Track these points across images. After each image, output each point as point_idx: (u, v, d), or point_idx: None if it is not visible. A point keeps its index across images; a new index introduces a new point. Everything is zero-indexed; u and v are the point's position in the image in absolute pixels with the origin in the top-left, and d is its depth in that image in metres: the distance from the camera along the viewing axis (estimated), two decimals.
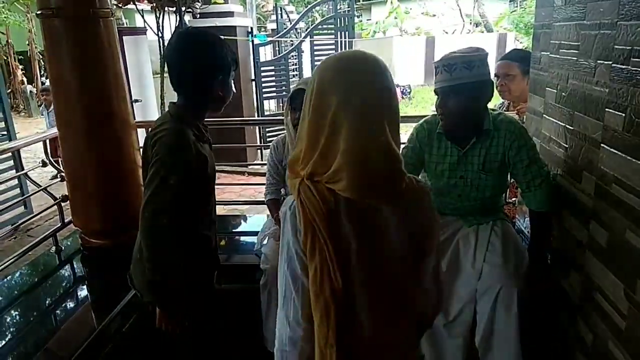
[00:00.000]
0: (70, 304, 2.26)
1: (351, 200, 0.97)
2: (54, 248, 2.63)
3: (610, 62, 1.45)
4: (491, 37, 16.94)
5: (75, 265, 2.54)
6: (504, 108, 2.90)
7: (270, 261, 2.14)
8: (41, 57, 13.84)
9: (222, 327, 2.01)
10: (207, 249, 1.73)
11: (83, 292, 2.37)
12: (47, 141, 2.82)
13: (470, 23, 18.60)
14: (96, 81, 2.31)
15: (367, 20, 20.58)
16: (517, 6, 18.41)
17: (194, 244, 1.65)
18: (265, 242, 2.30)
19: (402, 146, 2.17)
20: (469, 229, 1.97)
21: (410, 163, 2.03)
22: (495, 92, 2.86)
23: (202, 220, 1.67)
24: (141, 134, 2.84)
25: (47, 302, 2.25)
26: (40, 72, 14.48)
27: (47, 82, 15.54)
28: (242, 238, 2.90)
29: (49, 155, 2.78)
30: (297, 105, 2.17)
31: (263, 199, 2.60)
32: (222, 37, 1.63)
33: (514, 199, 2.61)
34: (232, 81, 1.65)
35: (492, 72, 2.54)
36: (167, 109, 1.63)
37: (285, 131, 2.32)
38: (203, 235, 1.69)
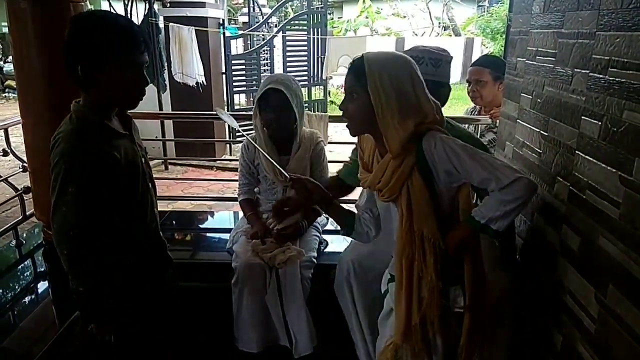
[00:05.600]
0: (30, 301, 2.16)
1: None
2: (14, 242, 2.51)
3: (588, 71, 1.48)
4: (459, 40, 17.26)
5: (36, 260, 2.42)
6: (476, 113, 2.95)
7: (241, 258, 2.11)
8: None
9: (182, 325, 1.95)
10: (144, 249, 1.61)
11: (44, 288, 2.27)
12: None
13: (440, 26, 18.89)
14: (63, 68, 2.19)
15: (339, 18, 20.61)
16: (484, 12, 18.78)
17: (124, 246, 1.53)
18: (237, 239, 2.26)
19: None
20: None
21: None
22: (467, 97, 2.91)
23: (129, 220, 1.54)
24: None
25: (5, 297, 2.14)
26: None
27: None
28: (212, 235, 2.84)
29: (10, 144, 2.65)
30: (268, 106, 2.10)
31: (232, 195, 2.58)
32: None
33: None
34: (141, 69, 1.43)
35: (457, 75, 2.58)
36: None
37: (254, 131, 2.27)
38: (133, 235, 1.56)
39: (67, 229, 1.37)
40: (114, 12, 1.43)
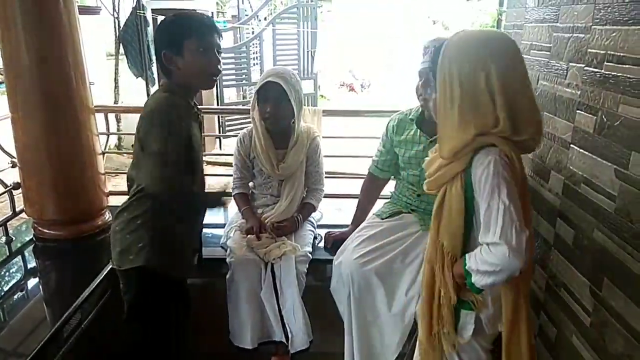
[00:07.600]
0: (21, 298, 2.12)
1: None
2: (4, 238, 2.47)
3: (583, 65, 1.48)
4: (449, 35, 17.24)
5: (26, 257, 2.39)
6: None
7: (236, 254, 2.10)
8: None
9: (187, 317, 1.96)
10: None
11: (35, 285, 2.24)
12: None
13: (429, 18, 18.90)
14: (54, 60, 2.16)
15: (328, 11, 20.50)
16: (472, 7, 18.84)
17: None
18: (231, 234, 2.25)
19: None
20: (425, 232, 1.95)
21: (385, 159, 2.15)
22: None
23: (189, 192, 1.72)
24: (99, 118, 2.70)
25: None
26: None
27: None
28: (205, 230, 2.81)
29: None
30: (266, 98, 2.10)
31: (223, 190, 2.58)
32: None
33: None
34: (212, 55, 1.66)
35: None
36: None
37: (251, 124, 2.26)
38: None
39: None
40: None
